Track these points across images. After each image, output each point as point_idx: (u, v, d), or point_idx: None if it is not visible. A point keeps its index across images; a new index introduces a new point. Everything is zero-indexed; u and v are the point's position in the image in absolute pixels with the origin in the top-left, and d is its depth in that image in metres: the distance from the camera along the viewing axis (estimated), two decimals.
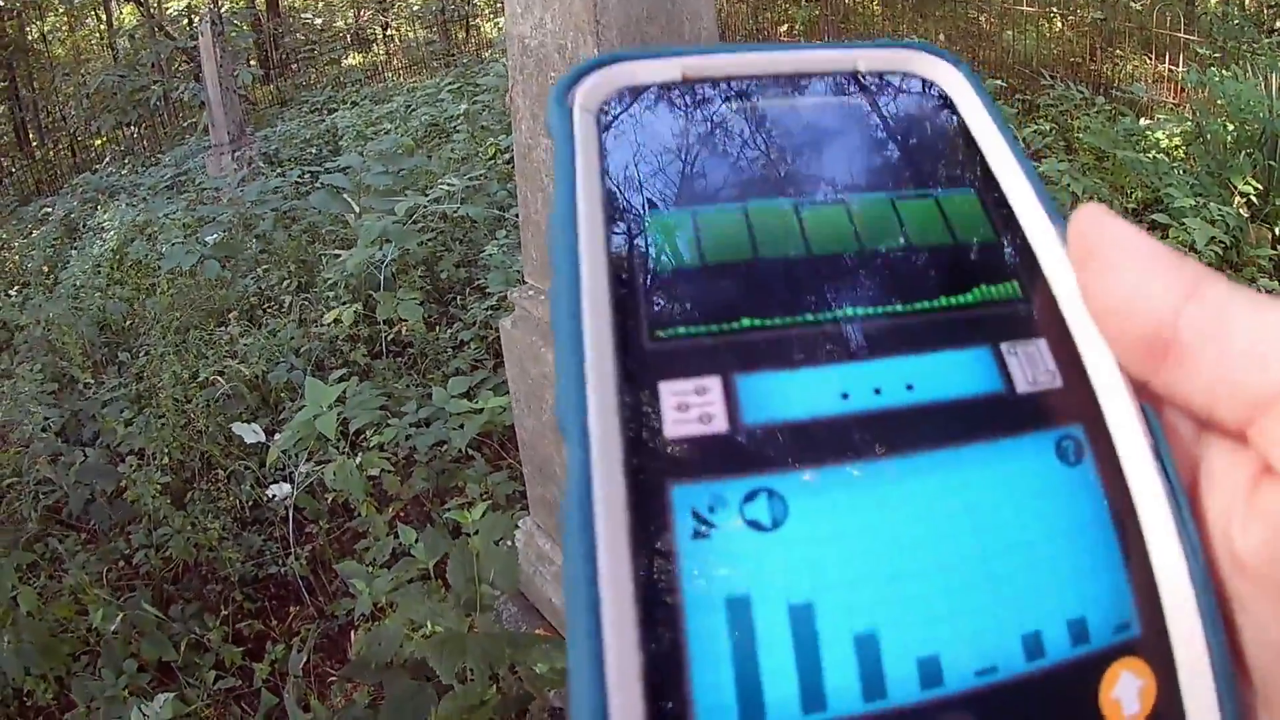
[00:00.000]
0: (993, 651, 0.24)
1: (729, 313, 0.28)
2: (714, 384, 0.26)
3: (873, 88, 0.34)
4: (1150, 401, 0.28)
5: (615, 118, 0.32)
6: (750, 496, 0.25)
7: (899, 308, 0.29)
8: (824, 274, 0.29)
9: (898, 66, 0.34)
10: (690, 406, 0.26)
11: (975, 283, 0.30)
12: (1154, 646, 0.25)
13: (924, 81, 0.34)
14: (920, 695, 0.23)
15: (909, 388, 0.27)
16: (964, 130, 0.33)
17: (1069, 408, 0.28)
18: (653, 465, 0.25)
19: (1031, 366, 0.28)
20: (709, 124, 0.32)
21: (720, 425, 0.26)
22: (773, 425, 0.26)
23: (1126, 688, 0.25)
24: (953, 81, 0.34)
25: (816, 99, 0.34)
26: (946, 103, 0.34)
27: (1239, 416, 0.25)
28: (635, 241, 0.29)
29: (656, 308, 0.28)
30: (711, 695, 0.23)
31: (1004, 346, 0.28)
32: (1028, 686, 0.24)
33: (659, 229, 0.29)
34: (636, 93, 0.32)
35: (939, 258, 0.30)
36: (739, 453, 0.25)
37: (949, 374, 0.28)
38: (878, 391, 0.27)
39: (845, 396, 0.27)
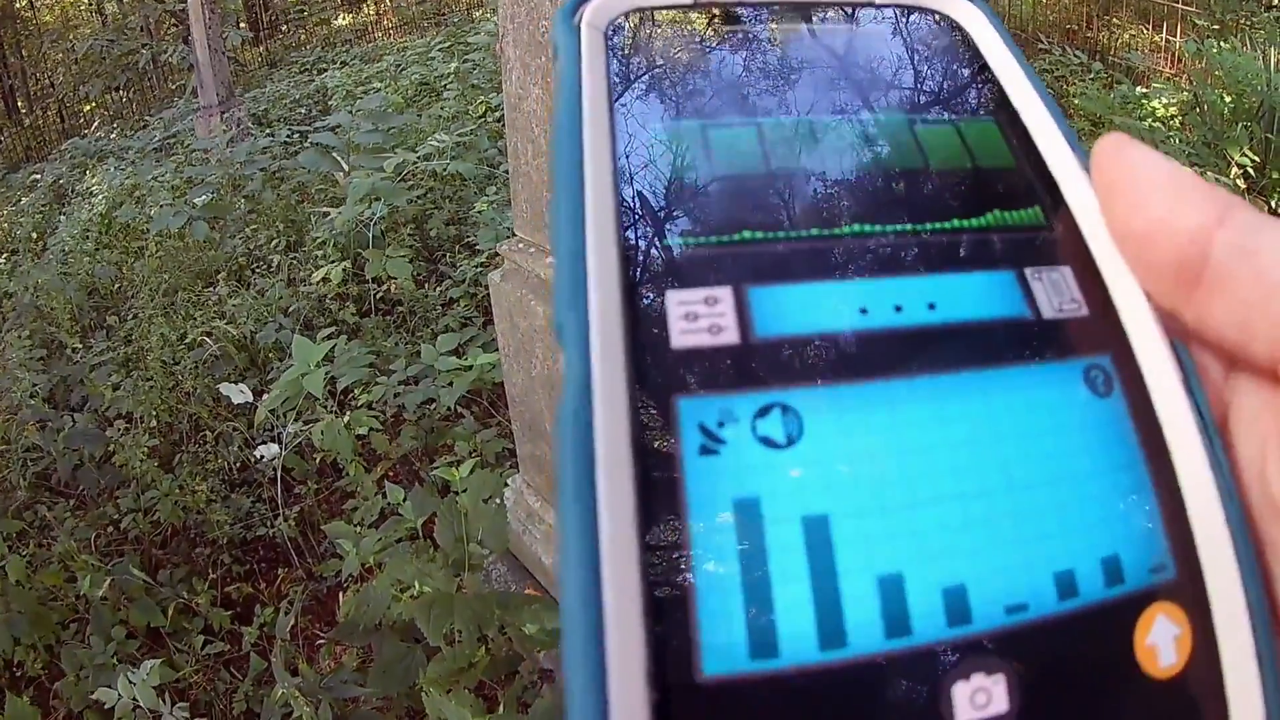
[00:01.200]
0: (1023, 588, 0.23)
1: (740, 224, 0.27)
2: (725, 294, 0.25)
3: (889, 19, 0.34)
4: (1180, 338, 0.27)
5: (624, 36, 0.31)
6: (763, 412, 0.23)
7: (919, 226, 0.28)
8: (840, 190, 0.28)
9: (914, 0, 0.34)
10: (699, 317, 0.25)
11: (996, 207, 0.29)
12: (1189, 592, 0.24)
13: (940, 15, 0.34)
14: (947, 632, 0.22)
15: (931, 307, 0.26)
16: (981, 60, 0.33)
17: (1096, 337, 0.27)
18: (657, 377, 0.24)
19: (1056, 293, 0.27)
20: (720, 47, 0.32)
21: (731, 337, 0.24)
22: (787, 338, 0.25)
23: (1162, 634, 0.23)
24: (969, 15, 0.34)
25: (831, 26, 0.33)
26: (963, 34, 0.33)
27: (1273, 348, 0.24)
28: (643, 153, 0.28)
29: (664, 217, 0.27)
30: (719, 628, 0.21)
31: (1028, 271, 0.27)
32: (1060, 627, 0.23)
33: (668, 141, 0.29)
34: (646, 13, 0.32)
35: (959, 180, 0.30)
36: (751, 366, 0.24)
37: (972, 295, 0.27)
38: (898, 309, 0.26)
39: (864, 312, 0.25)
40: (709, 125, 0.29)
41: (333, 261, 4.19)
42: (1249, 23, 6.46)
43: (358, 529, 2.35)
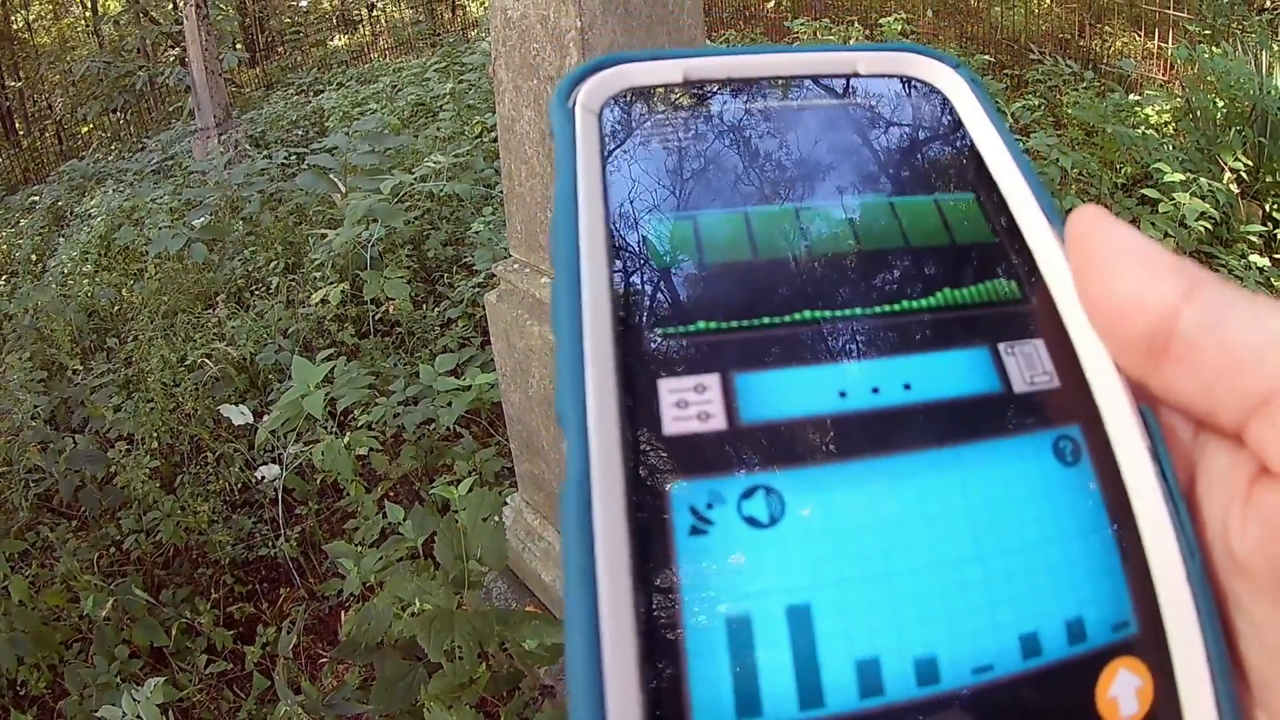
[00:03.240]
0: (990, 650, 0.24)
1: (728, 312, 0.28)
2: (713, 382, 0.27)
3: (873, 90, 0.34)
4: (1148, 403, 0.28)
5: (617, 118, 0.32)
6: (748, 493, 0.25)
7: (896, 308, 0.29)
8: (823, 274, 0.30)
9: (898, 69, 0.35)
10: (689, 404, 0.26)
11: (973, 283, 0.30)
12: (1151, 646, 0.25)
13: (924, 84, 0.35)
14: (917, 692, 0.24)
15: (907, 387, 0.27)
16: (963, 132, 0.34)
17: (1066, 408, 0.28)
18: (651, 462, 0.25)
19: (1029, 367, 0.28)
20: (711, 125, 0.33)
21: (719, 423, 0.26)
22: (771, 423, 0.26)
23: (1124, 686, 0.25)
24: (952, 84, 0.35)
25: (817, 101, 0.34)
26: (946, 105, 0.34)
27: (1237, 416, 0.25)
28: (636, 240, 0.29)
29: (656, 306, 0.28)
30: (709, 691, 0.23)
31: (1001, 347, 0.29)
32: (1025, 685, 0.24)
33: (660, 228, 0.30)
34: (639, 94, 0.33)
35: (937, 258, 0.30)
36: (737, 450, 0.26)
37: (946, 373, 0.28)
38: (875, 391, 0.27)
39: (843, 395, 0.27)
40: (698, 211, 0.30)
41: (331, 283, 4.21)
42: (1240, 27, 6.48)
43: (358, 548, 2.36)
